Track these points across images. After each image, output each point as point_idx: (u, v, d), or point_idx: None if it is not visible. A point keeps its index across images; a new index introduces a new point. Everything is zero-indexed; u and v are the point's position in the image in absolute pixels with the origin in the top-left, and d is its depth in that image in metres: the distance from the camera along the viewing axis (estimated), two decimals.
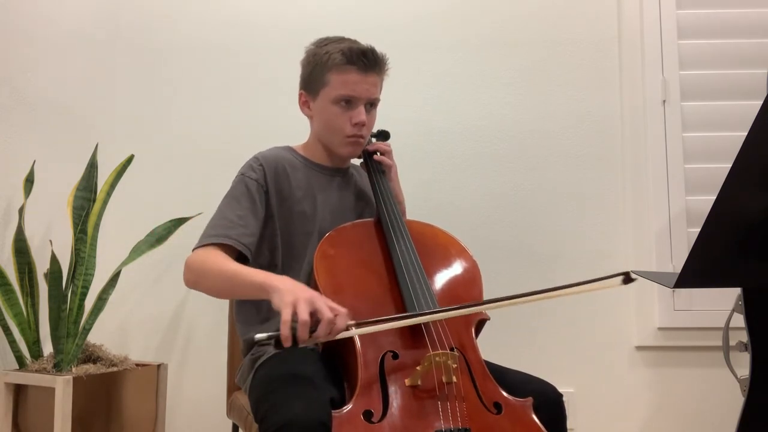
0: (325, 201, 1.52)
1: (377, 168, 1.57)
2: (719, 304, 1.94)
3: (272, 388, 1.20)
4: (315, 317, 1.09)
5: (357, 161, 1.65)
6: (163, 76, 2.29)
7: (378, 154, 1.61)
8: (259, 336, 1.09)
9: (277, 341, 1.08)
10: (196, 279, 1.34)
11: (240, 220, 1.38)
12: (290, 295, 1.12)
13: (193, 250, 1.37)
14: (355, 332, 1.15)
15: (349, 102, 1.46)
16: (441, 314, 1.23)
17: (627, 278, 1.17)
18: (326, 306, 1.11)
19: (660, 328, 2.11)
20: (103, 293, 1.91)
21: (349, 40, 1.50)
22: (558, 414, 1.28)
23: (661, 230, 2.14)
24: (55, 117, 2.08)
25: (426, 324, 1.24)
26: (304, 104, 1.54)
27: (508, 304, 1.20)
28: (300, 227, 1.47)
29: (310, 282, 1.37)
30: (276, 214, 1.46)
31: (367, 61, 1.45)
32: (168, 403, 2.01)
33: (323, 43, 1.50)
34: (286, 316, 1.08)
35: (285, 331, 1.07)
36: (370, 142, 1.63)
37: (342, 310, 1.12)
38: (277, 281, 1.19)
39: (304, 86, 1.53)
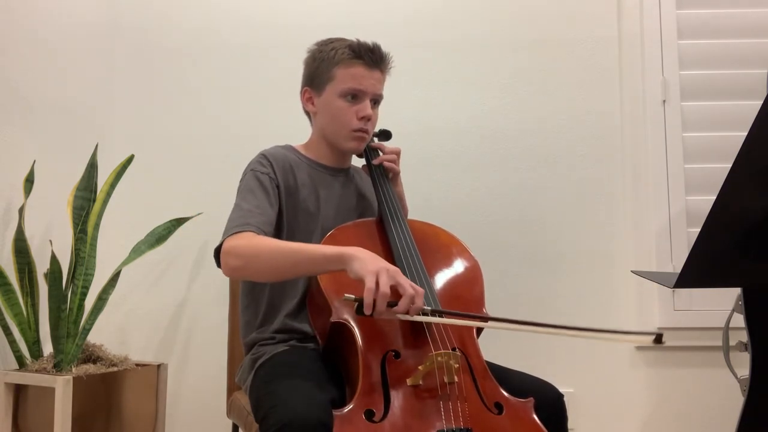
0: (328, 199, 1.52)
1: (379, 166, 1.57)
2: (719, 304, 1.95)
3: (273, 388, 1.20)
4: (395, 292, 1.12)
5: (357, 162, 1.65)
6: (163, 76, 2.29)
7: (380, 154, 1.61)
8: (347, 296, 1.13)
9: (360, 306, 1.12)
10: (246, 262, 1.27)
11: (258, 209, 1.37)
12: (373, 264, 1.14)
13: (218, 247, 1.32)
14: (428, 319, 1.17)
15: (355, 96, 1.48)
16: (513, 326, 1.22)
17: (658, 339, 1.11)
18: (408, 283, 1.13)
19: (660, 328, 2.11)
20: (103, 293, 1.91)
21: (352, 39, 1.51)
22: (559, 414, 1.28)
23: (661, 230, 2.14)
24: (55, 117, 2.08)
25: (428, 324, 1.24)
26: (308, 100, 1.55)
27: (531, 330, 1.20)
28: (304, 224, 1.47)
29: (312, 281, 1.37)
30: (284, 210, 1.46)
31: (373, 56, 1.48)
32: (168, 403, 2.01)
33: (328, 42, 1.52)
34: (370, 283, 1.11)
35: (369, 299, 1.10)
36: (372, 141, 1.63)
37: (420, 290, 1.15)
38: (354, 250, 1.19)
39: (309, 83, 1.54)
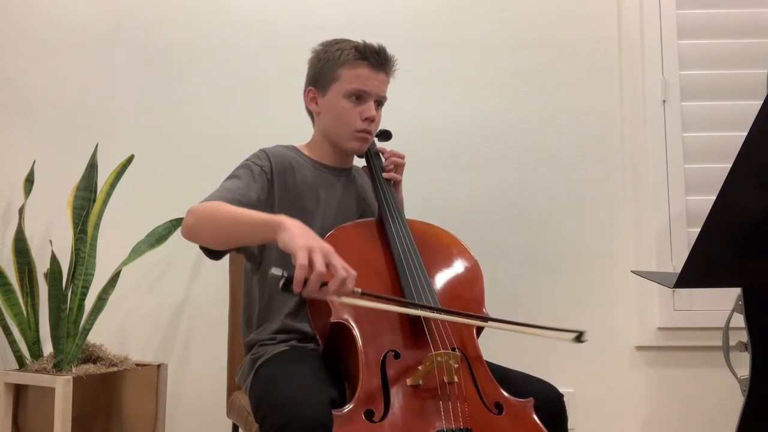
0: (328, 199, 1.52)
1: (380, 166, 1.58)
2: (719, 304, 1.95)
3: (273, 388, 1.19)
4: (327, 272, 1.07)
5: (357, 162, 1.65)
6: (163, 76, 2.29)
7: (382, 155, 1.61)
8: (274, 271, 1.07)
9: (288, 282, 1.05)
10: (197, 221, 1.28)
11: (239, 191, 1.38)
12: (303, 239, 1.10)
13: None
14: (359, 302, 1.13)
15: (359, 97, 1.48)
16: (443, 315, 1.23)
17: (579, 338, 1.19)
18: (341, 264, 1.09)
19: (660, 328, 2.11)
20: (103, 293, 1.91)
21: (357, 40, 1.51)
22: (559, 414, 1.28)
23: (661, 230, 2.14)
24: (55, 117, 2.08)
25: (428, 323, 1.24)
26: (312, 100, 1.55)
27: (461, 321, 1.24)
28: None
29: None
30: (277, 207, 1.46)
31: (379, 58, 1.48)
32: (168, 403, 2.01)
33: (333, 42, 1.53)
34: (302, 260, 1.05)
35: (300, 275, 1.05)
36: (374, 143, 1.64)
37: (353, 272, 1.10)
38: (287, 220, 1.16)
39: (313, 82, 1.54)
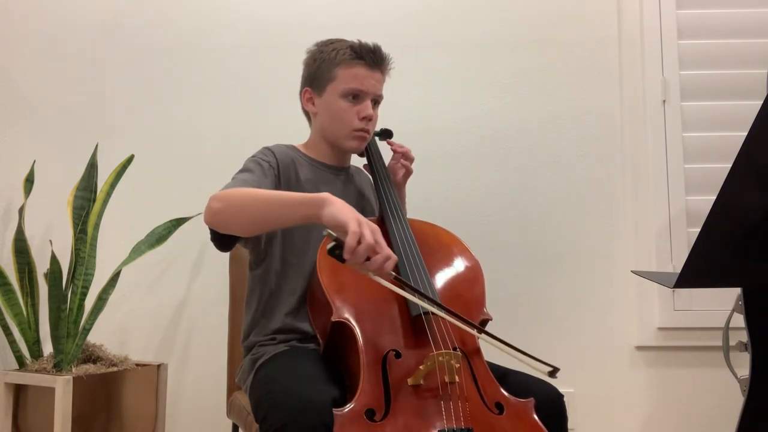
0: None
1: (380, 165, 1.58)
2: (719, 304, 1.95)
3: (273, 388, 1.19)
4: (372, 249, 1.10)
5: (357, 162, 1.65)
6: (163, 76, 2.29)
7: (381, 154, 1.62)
8: (328, 230, 1.10)
9: (339, 247, 1.08)
10: (225, 205, 1.26)
11: (254, 182, 1.37)
12: (352, 212, 1.13)
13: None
14: (390, 285, 1.15)
15: (356, 97, 1.49)
16: (456, 320, 1.23)
17: (552, 373, 1.24)
18: (385, 244, 1.12)
19: (660, 328, 2.12)
20: (103, 293, 1.91)
21: (352, 40, 1.52)
22: (559, 414, 1.28)
23: (661, 230, 2.14)
24: (55, 117, 2.08)
25: (429, 323, 1.25)
26: (308, 101, 1.55)
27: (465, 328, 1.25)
28: None
29: (312, 279, 1.37)
30: None
31: (374, 57, 1.49)
32: (168, 403, 2.01)
33: (328, 43, 1.53)
34: (355, 227, 1.08)
35: (353, 242, 1.07)
36: (374, 141, 1.64)
37: (395, 256, 1.13)
38: (332, 196, 1.17)
39: (309, 83, 1.54)
